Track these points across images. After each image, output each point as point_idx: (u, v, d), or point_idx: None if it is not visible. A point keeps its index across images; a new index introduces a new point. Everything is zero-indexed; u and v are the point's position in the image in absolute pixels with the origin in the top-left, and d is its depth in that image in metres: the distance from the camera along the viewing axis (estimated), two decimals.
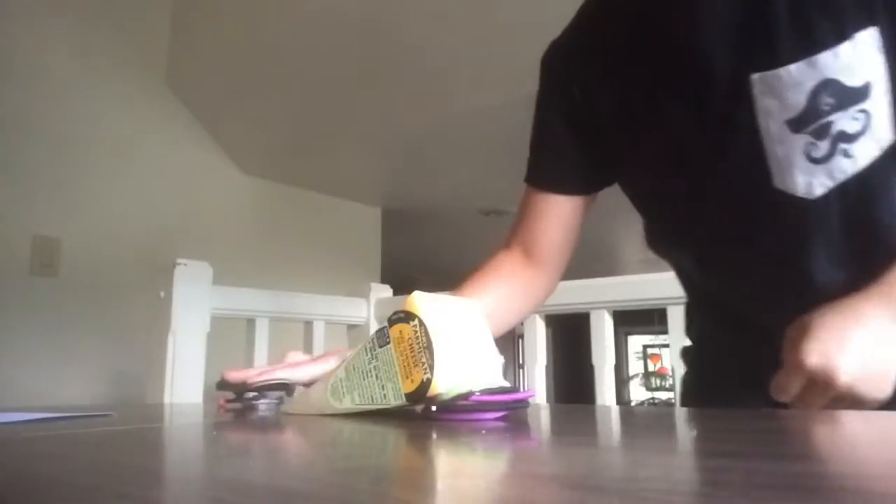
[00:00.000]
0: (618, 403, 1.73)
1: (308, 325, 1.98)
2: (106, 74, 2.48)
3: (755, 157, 0.63)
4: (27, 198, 2.25)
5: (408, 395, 0.51)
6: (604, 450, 0.40)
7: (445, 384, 0.50)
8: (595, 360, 1.63)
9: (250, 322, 1.83)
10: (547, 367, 1.73)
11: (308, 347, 1.97)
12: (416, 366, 0.51)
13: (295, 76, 2.39)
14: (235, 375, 0.69)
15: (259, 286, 1.93)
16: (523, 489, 0.26)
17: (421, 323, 0.51)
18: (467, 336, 0.55)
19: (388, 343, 0.53)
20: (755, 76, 0.62)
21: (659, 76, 0.70)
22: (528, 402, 0.55)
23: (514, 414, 0.55)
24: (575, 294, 1.68)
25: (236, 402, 0.70)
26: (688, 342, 0.90)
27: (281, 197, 3.09)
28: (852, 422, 0.50)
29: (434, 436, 0.45)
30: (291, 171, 3.04)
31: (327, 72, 2.32)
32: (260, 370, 0.70)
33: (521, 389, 0.56)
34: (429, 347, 0.51)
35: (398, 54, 2.17)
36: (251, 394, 0.69)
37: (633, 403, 7.74)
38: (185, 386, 1.57)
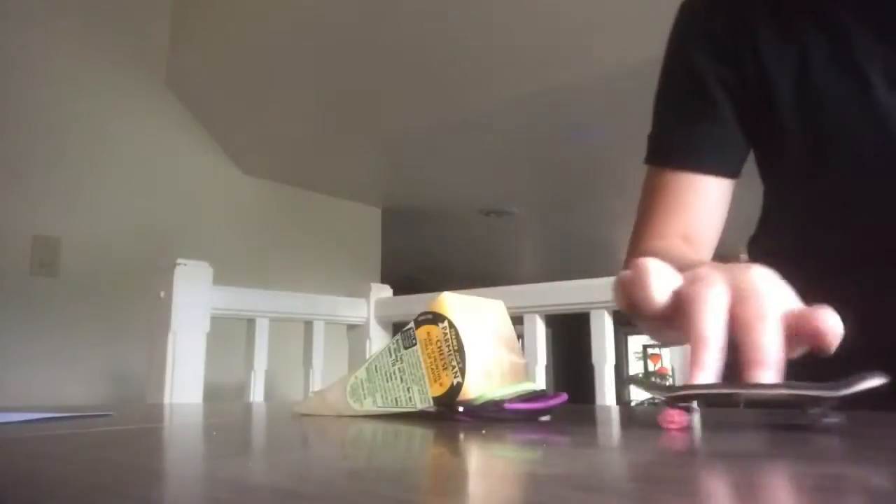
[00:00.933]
0: (618, 403, 1.73)
1: (308, 325, 1.98)
2: (106, 74, 2.48)
3: None
4: (27, 198, 2.25)
5: (436, 399, 0.50)
6: (604, 450, 0.40)
7: (477, 388, 0.49)
8: (595, 360, 1.63)
9: (250, 322, 1.83)
10: (547, 367, 1.73)
11: (308, 347, 1.97)
12: (445, 369, 0.50)
13: (295, 76, 2.39)
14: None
15: (259, 286, 1.93)
16: (523, 489, 0.26)
17: (451, 325, 0.50)
18: (495, 339, 0.54)
19: (415, 344, 0.52)
20: None
21: (870, 48, 0.59)
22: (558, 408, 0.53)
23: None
24: (575, 294, 1.68)
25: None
26: None
27: (281, 197, 3.09)
28: (856, 422, 0.50)
29: (432, 436, 0.45)
30: (291, 171, 3.04)
31: (327, 72, 2.32)
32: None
33: (550, 392, 0.54)
34: (460, 350, 0.49)
35: (398, 55, 2.17)
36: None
37: (633, 403, 7.74)
38: (185, 386, 1.57)
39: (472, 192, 3.53)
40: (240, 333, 1.86)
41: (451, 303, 0.51)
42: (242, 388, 1.84)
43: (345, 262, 3.29)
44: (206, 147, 2.80)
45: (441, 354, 0.50)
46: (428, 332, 0.51)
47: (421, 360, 0.51)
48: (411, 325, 0.53)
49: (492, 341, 0.53)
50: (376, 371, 0.55)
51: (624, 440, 0.45)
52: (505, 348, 0.55)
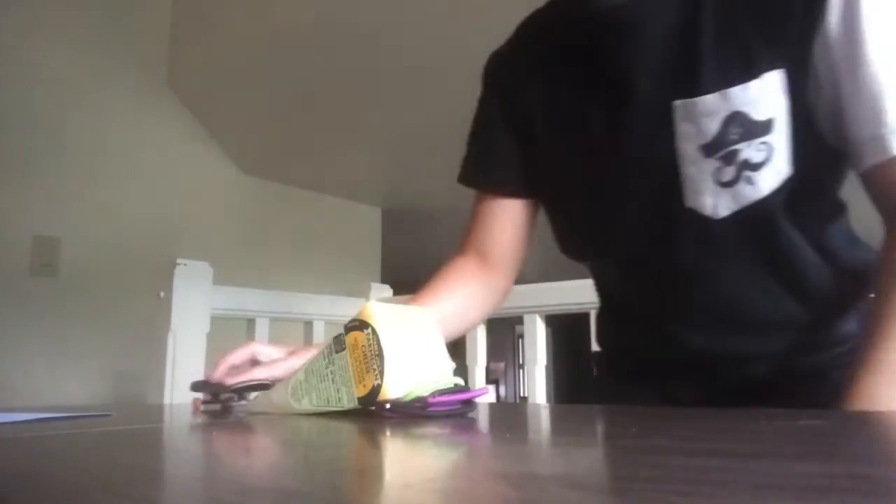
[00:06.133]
0: None
1: (308, 325, 1.98)
2: (106, 74, 2.48)
3: (670, 176, 0.69)
4: (27, 198, 2.25)
5: (360, 399, 0.55)
6: (604, 449, 0.40)
7: (394, 390, 0.54)
8: None
9: (250, 322, 1.83)
10: (547, 367, 1.73)
11: None
12: (367, 372, 0.55)
13: (295, 76, 2.39)
14: (214, 377, 0.74)
15: (259, 286, 1.93)
16: (523, 489, 0.26)
17: (374, 332, 0.55)
18: (419, 344, 0.59)
19: (344, 349, 0.57)
20: (678, 103, 0.68)
21: (588, 96, 0.75)
22: (475, 403, 0.59)
23: (514, 414, 0.55)
24: (575, 294, 1.68)
25: (212, 404, 0.73)
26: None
27: (281, 197, 3.09)
28: (855, 422, 0.50)
29: (430, 436, 0.45)
30: (291, 171, 3.04)
31: (327, 72, 2.32)
32: (236, 368, 0.75)
33: (474, 388, 0.61)
34: (380, 355, 0.54)
35: (398, 54, 2.17)
36: (228, 395, 0.72)
37: None
38: (185, 386, 1.57)
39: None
40: (240, 333, 1.86)
41: (376, 311, 0.56)
42: None
43: (345, 262, 3.29)
44: (206, 147, 2.80)
45: (365, 358, 0.55)
46: (355, 338, 0.56)
47: (349, 363, 0.57)
48: (342, 331, 0.58)
49: (415, 346, 0.58)
50: (313, 373, 0.60)
51: (622, 440, 0.45)
52: (429, 353, 0.60)
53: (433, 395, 0.54)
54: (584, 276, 1.67)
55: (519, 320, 1.79)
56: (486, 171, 0.90)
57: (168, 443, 0.49)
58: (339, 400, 0.57)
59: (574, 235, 0.83)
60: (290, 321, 2.00)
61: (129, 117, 2.54)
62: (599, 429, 0.53)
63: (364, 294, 2.09)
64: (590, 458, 0.35)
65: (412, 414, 0.53)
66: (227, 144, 2.85)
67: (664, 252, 0.72)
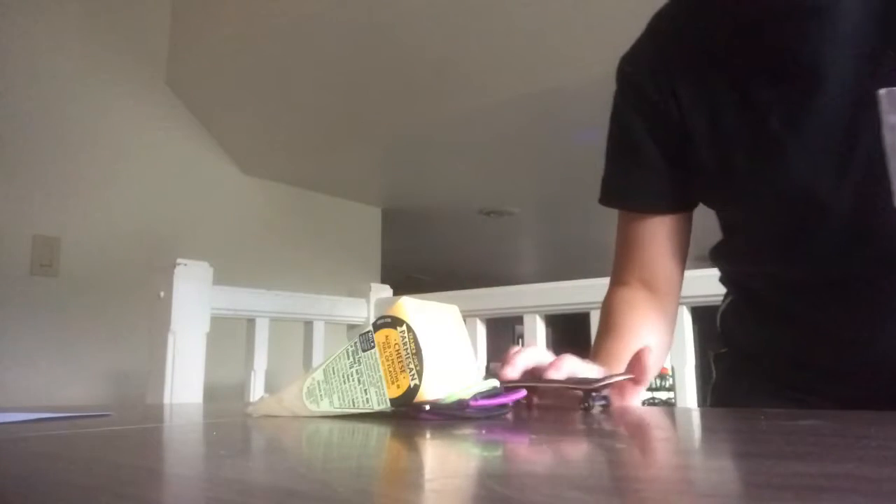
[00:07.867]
0: None
1: (308, 325, 1.98)
2: (106, 74, 2.48)
3: (876, 175, 0.60)
4: (27, 198, 2.25)
5: (393, 401, 0.52)
6: (604, 450, 0.40)
7: (433, 391, 0.51)
8: None
9: (250, 322, 1.83)
10: None
11: (308, 347, 1.97)
12: (402, 371, 0.52)
13: (295, 76, 2.39)
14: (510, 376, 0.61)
15: (259, 286, 1.93)
16: (523, 489, 0.26)
17: (409, 329, 0.52)
18: (452, 342, 0.56)
19: (373, 347, 0.54)
20: (882, 91, 0.59)
21: (766, 91, 0.67)
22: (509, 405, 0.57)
23: (513, 414, 0.55)
24: (575, 294, 1.67)
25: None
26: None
27: (281, 197, 3.09)
28: (856, 422, 0.50)
29: (431, 435, 0.45)
30: (291, 171, 3.04)
31: (327, 72, 2.32)
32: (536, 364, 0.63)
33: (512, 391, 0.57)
34: (418, 354, 0.52)
35: (398, 54, 2.17)
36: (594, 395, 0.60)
37: None
38: (185, 386, 1.57)
39: (472, 192, 3.53)
40: (240, 333, 1.86)
41: (410, 307, 0.53)
42: (242, 388, 1.84)
43: (345, 262, 3.29)
44: (207, 147, 2.80)
45: (399, 357, 0.52)
46: (386, 336, 0.53)
47: (379, 362, 0.53)
48: (370, 328, 0.55)
49: (448, 344, 0.55)
50: (333, 373, 0.56)
51: (623, 440, 0.45)
52: (460, 351, 0.57)
53: (475, 397, 0.52)
54: (583, 276, 1.68)
55: (519, 320, 1.79)
56: (634, 189, 0.79)
57: (168, 443, 0.49)
58: (367, 401, 0.54)
59: (749, 245, 0.75)
60: (290, 321, 2.00)
61: (129, 117, 2.54)
62: (598, 427, 0.53)
63: (364, 294, 2.09)
64: (586, 458, 0.35)
65: (452, 416, 0.51)
66: (228, 144, 2.85)
67: (865, 259, 0.65)
